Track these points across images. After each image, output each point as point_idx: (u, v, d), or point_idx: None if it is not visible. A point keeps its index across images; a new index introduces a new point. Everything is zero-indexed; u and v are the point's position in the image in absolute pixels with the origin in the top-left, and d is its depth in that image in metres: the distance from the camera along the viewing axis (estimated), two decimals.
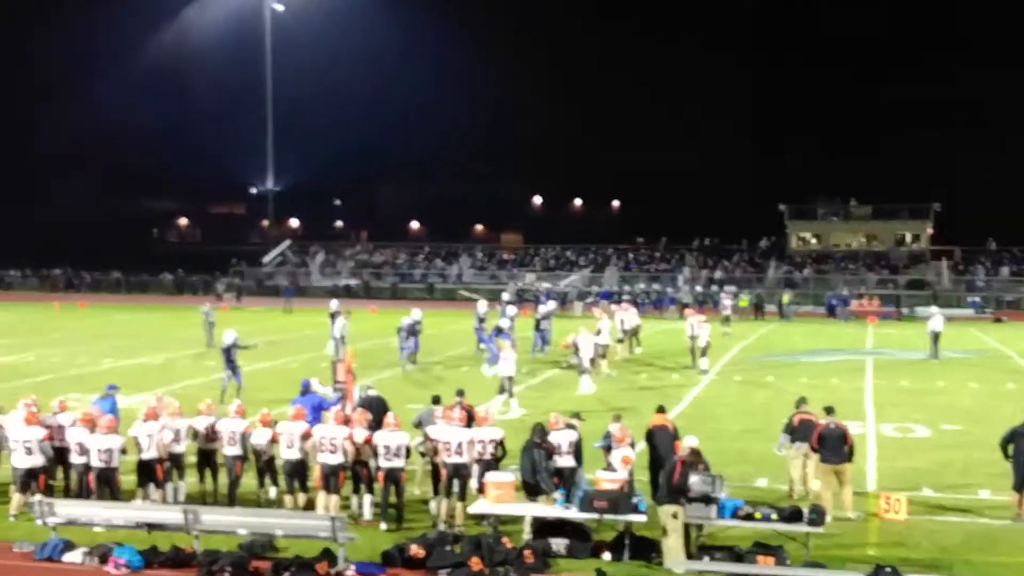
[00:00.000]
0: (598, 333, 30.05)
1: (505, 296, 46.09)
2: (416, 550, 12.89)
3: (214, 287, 68.01)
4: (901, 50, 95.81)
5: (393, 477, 14.56)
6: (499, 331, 30.44)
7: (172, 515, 13.39)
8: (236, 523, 13.34)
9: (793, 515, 13.09)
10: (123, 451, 14.93)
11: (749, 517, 13.21)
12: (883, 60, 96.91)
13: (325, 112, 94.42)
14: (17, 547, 13.45)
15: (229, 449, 15.46)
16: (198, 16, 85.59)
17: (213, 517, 13.32)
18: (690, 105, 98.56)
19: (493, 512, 13.95)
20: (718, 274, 69.35)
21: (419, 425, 16.20)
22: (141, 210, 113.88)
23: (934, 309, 40.74)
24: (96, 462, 14.63)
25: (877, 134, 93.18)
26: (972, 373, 31.51)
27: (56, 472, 15.65)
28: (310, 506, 14.90)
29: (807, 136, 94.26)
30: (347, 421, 15.28)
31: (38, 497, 14.02)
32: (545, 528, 13.65)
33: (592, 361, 28.16)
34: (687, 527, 13.12)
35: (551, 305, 38.09)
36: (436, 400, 16.80)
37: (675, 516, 12.83)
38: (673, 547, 12.76)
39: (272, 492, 15.58)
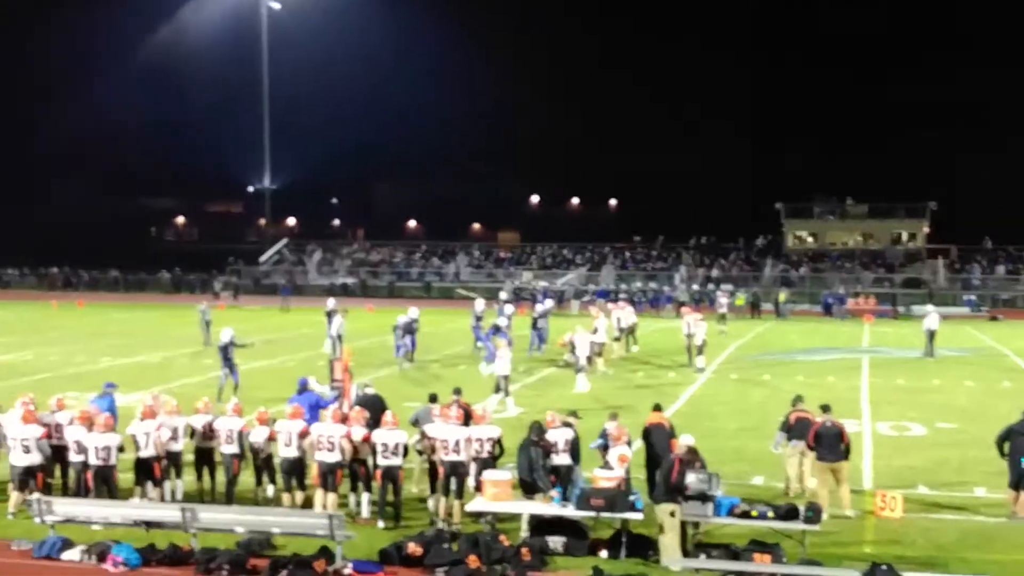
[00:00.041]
0: (594, 332, 30.10)
1: (502, 295, 46.13)
2: (414, 548, 12.92)
3: (211, 286, 67.98)
4: (898, 50, 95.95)
5: (391, 475, 14.59)
6: (496, 330, 30.49)
7: (170, 513, 13.42)
8: (234, 521, 13.37)
9: (789, 513, 13.13)
10: (121, 449, 14.96)
11: (745, 515, 13.26)
12: (880, 60, 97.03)
13: (322, 111, 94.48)
14: (15, 545, 13.48)
15: (227, 447, 15.48)
16: (195, 15, 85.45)
17: (211, 515, 13.35)
18: (687, 105, 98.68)
19: (490, 510, 13.98)
20: (715, 272, 69.40)
21: (416, 423, 16.24)
22: (139, 209, 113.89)
23: (930, 307, 40.89)
24: (94, 460, 14.66)
25: (874, 133, 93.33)
26: (968, 371, 31.58)
27: (54, 470, 15.68)
28: (308, 504, 14.92)
29: (804, 135, 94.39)
30: (345, 419, 15.32)
31: (36, 495, 14.04)
32: (542, 526, 13.68)
33: (589, 359, 28.21)
34: (683, 525, 13.16)
35: (548, 304, 38.13)
36: (433, 398, 16.84)
37: (673, 514, 12.87)
38: (670, 545, 12.80)
39: (270, 490, 15.61)
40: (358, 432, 14.87)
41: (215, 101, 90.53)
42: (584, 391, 26.10)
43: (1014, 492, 15.00)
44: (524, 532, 13.64)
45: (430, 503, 15.12)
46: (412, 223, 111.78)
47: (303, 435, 14.99)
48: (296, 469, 15.08)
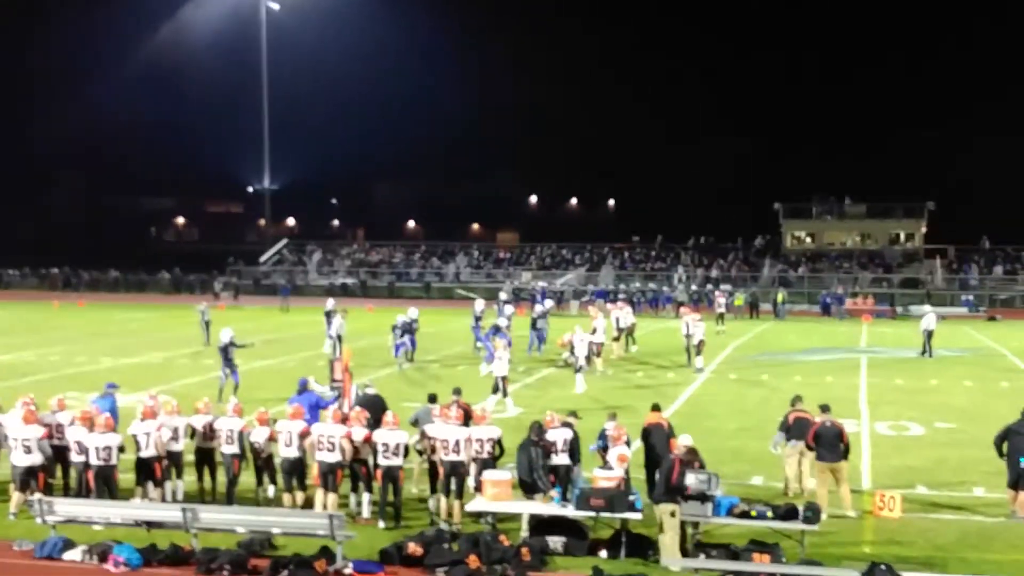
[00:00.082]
0: (593, 332, 30.14)
1: (502, 295, 46.17)
2: (414, 548, 12.95)
3: (212, 286, 68.01)
4: (896, 50, 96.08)
5: (391, 475, 14.62)
6: (496, 330, 30.54)
7: (171, 513, 13.45)
8: (234, 521, 13.40)
9: (789, 513, 13.17)
10: (122, 449, 14.99)
11: (745, 515, 13.29)
12: (878, 60, 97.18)
13: (322, 111, 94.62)
14: (17, 545, 13.50)
15: (227, 448, 15.51)
16: (194, 16, 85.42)
17: (212, 515, 13.38)
18: (685, 105, 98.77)
19: (490, 510, 14.03)
20: (714, 273, 69.44)
21: (416, 423, 16.27)
22: (139, 209, 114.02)
23: (927, 308, 41.00)
24: (95, 460, 14.68)
25: (872, 133, 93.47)
26: (966, 371, 31.63)
27: (55, 471, 15.71)
28: (309, 504, 14.95)
29: (802, 135, 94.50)
30: (345, 420, 15.36)
31: (38, 496, 14.07)
32: (542, 526, 13.71)
33: (587, 359, 28.24)
34: (683, 525, 13.20)
35: (547, 304, 38.16)
36: (432, 398, 16.88)
37: (672, 515, 12.90)
38: (669, 545, 12.84)
39: (271, 491, 15.64)
40: (359, 432, 14.90)
41: (215, 101, 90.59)
42: (582, 391, 26.13)
43: (1013, 492, 15.04)
44: (524, 532, 13.67)
45: (430, 503, 15.16)
46: (411, 223, 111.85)
47: (304, 435, 15.03)
48: (297, 469, 15.11)
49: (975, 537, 14.28)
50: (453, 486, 14.64)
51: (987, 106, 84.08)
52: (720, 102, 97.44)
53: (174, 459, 15.64)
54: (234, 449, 15.47)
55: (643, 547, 13.31)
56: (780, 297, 55.18)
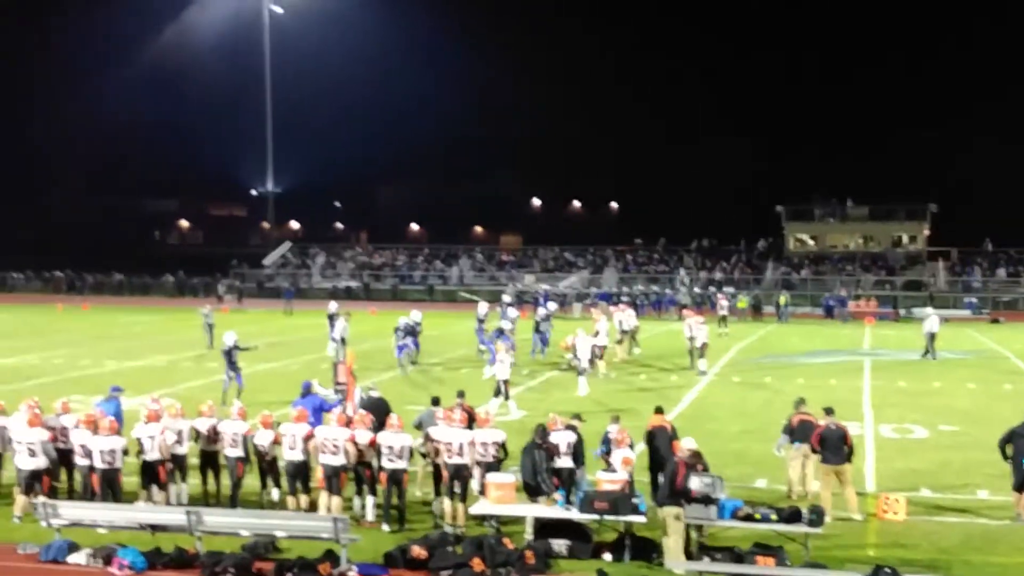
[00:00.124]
0: (596, 334, 30.13)
1: (506, 297, 46.17)
2: (418, 551, 12.97)
3: (215, 289, 68.07)
4: (898, 51, 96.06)
5: (396, 478, 14.64)
6: (500, 333, 30.55)
7: (175, 516, 13.47)
8: (239, 524, 13.42)
9: (792, 516, 13.16)
10: (126, 452, 15.00)
11: (749, 518, 13.28)
12: (879, 60, 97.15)
13: (325, 114, 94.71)
14: (22, 549, 13.52)
15: (231, 451, 15.53)
16: (197, 19, 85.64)
17: (216, 518, 13.40)
18: (688, 107, 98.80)
19: (494, 513, 14.04)
20: (717, 275, 69.43)
21: (419, 426, 16.28)
22: (142, 212, 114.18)
23: (929, 310, 41.03)
24: (99, 464, 14.70)
25: (874, 135, 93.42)
26: (969, 374, 31.61)
27: (60, 474, 15.73)
28: (313, 507, 14.97)
29: (804, 137, 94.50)
30: (349, 423, 15.38)
31: (42, 499, 14.09)
32: (546, 529, 13.72)
33: (590, 362, 28.23)
34: (687, 528, 13.20)
35: (551, 307, 38.15)
36: (436, 401, 16.89)
37: (677, 518, 12.90)
38: (673, 548, 12.84)
39: (275, 494, 15.66)
40: (364, 435, 14.92)
41: (218, 104, 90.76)
42: (585, 394, 26.12)
43: (1017, 494, 15.04)
44: (528, 535, 13.68)
45: (434, 506, 15.17)
46: (415, 226, 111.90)
47: (308, 438, 15.04)
48: (301, 472, 15.13)
49: (979, 540, 14.27)
50: (457, 489, 14.65)
51: (990, 107, 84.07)
52: (722, 104, 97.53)
53: (178, 462, 15.66)
54: (238, 452, 15.49)
55: (647, 550, 13.31)
56: (782, 300, 55.19)
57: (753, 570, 12.66)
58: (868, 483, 17.25)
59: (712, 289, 62.98)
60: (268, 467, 15.61)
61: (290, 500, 15.18)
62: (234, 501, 15.39)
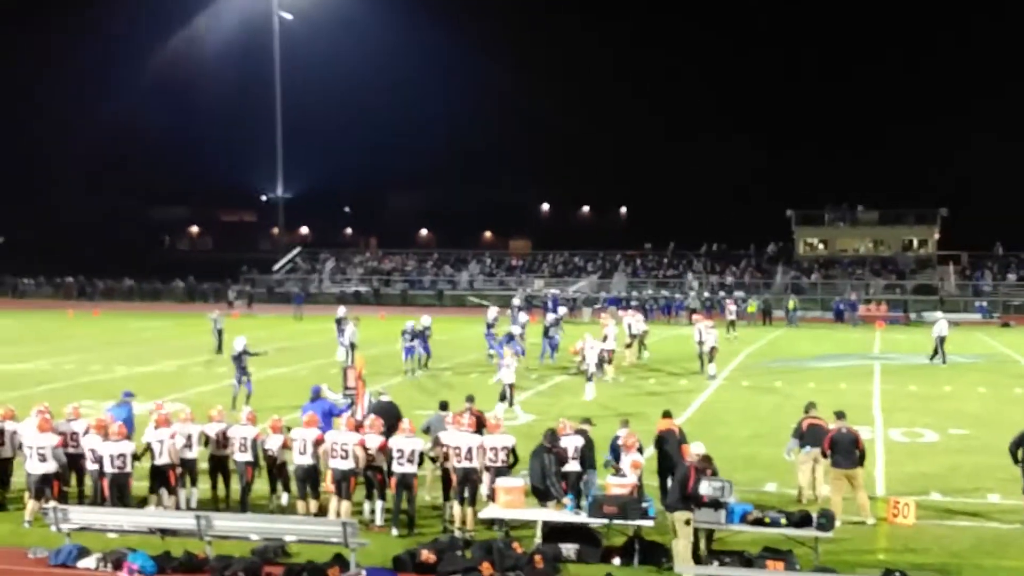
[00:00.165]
0: (604, 339, 30.11)
1: (516, 302, 46.21)
2: (427, 555, 12.97)
3: (225, 294, 68.20)
4: (909, 55, 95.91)
5: (405, 483, 14.65)
6: (510, 338, 30.57)
7: (185, 521, 13.49)
8: (248, 528, 13.44)
9: (802, 520, 13.14)
10: (135, 457, 15.05)
11: (758, 522, 13.26)
12: (890, 67, 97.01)
13: (334, 120, 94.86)
14: (32, 553, 13.54)
15: (240, 455, 15.56)
16: (208, 26, 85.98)
17: (225, 523, 13.41)
18: (697, 113, 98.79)
19: (503, 517, 14.03)
20: (728, 279, 69.33)
21: (428, 431, 16.29)
22: (153, 218, 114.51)
23: (939, 314, 40.92)
24: (110, 468, 14.74)
25: (883, 140, 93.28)
26: (980, 378, 31.52)
27: (70, 479, 15.78)
28: (322, 512, 14.99)
29: (814, 142, 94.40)
30: (358, 427, 15.40)
31: (52, 503, 14.14)
32: (555, 533, 13.70)
33: (599, 366, 28.20)
34: (696, 532, 13.17)
35: (560, 311, 38.16)
36: (444, 406, 16.90)
37: (687, 522, 12.88)
38: (683, 552, 12.82)
39: (284, 498, 15.69)
40: (374, 440, 14.94)
41: (228, 111, 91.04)
42: (592, 399, 26.07)
43: None
44: (537, 539, 13.67)
45: (447, 510, 15.17)
46: (424, 231, 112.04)
47: (318, 443, 15.07)
48: (311, 477, 15.14)
49: (990, 544, 14.22)
50: (466, 493, 14.65)
51: (1002, 111, 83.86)
52: (732, 109, 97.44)
53: (188, 467, 15.70)
54: (247, 457, 15.51)
55: (656, 554, 13.29)
56: (792, 304, 55.11)
57: (763, 574, 12.63)
58: (878, 487, 17.20)
59: (722, 294, 62.90)
60: (277, 472, 15.64)
61: (300, 504, 15.19)
62: (244, 505, 15.43)
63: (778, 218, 74.66)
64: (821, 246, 75.63)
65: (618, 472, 14.52)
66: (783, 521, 13.19)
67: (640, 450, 14.93)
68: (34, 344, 40.81)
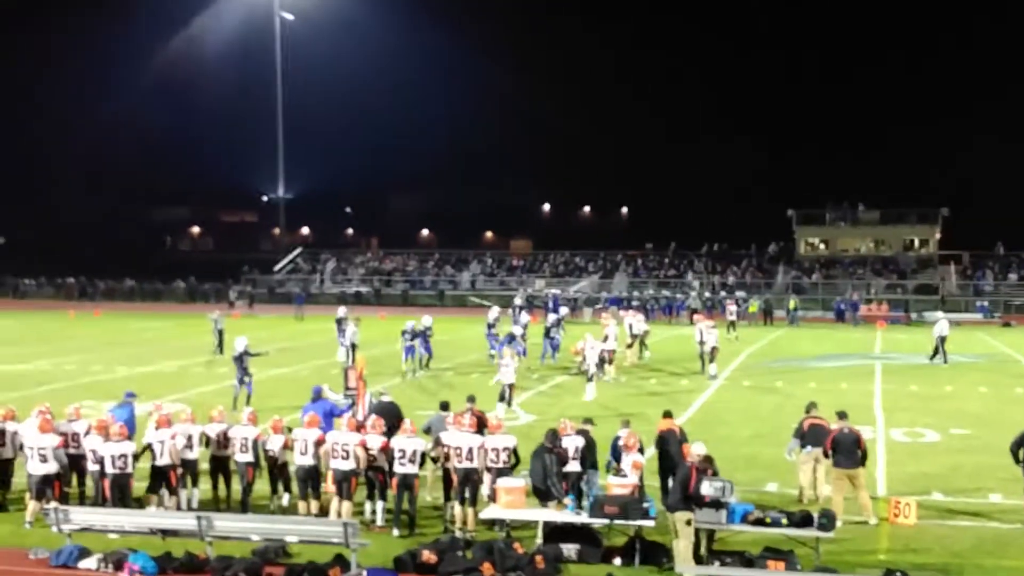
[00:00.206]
0: (605, 339, 30.11)
1: (517, 301, 46.21)
2: (428, 555, 12.97)
3: (226, 295, 68.22)
4: (911, 57, 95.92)
5: (407, 483, 14.65)
6: (512, 338, 30.56)
7: (186, 521, 13.49)
8: (249, 529, 13.43)
9: (803, 520, 13.13)
10: (136, 457, 15.05)
11: (759, 522, 13.26)
12: (892, 66, 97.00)
13: (335, 121, 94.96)
14: (33, 554, 13.55)
15: (241, 456, 15.56)
16: (209, 27, 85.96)
17: (226, 523, 13.41)
18: (698, 113, 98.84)
19: (504, 517, 14.03)
20: (730, 280, 69.33)
21: (428, 431, 16.29)
22: (154, 218, 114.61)
23: (939, 314, 40.94)
24: (111, 469, 14.75)
25: (884, 139, 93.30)
26: (981, 377, 31.51)
27: (71, 479, 15.78)
28: (323, 512, 14.99)
29: (816, 143, 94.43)
30: (359, 427, 15.40)
31: (53, 504, 14.14)
32: (556, 533, 13.70)
33: (599, 366, 28.19)
34: (697, 532, 13.17)
35: (562, 311, 38.16)
36: (445, 406, 16.89)
37: (688, 523, 12.87)
38: (684, 552, 12.81)
39: (285, 499, 15.69)
40: (376, 440, 14.94)
41: (229, 111, 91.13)
42: (592, 399, 26.06)
43: None
44: (539, 539, 13.66)
45: (448, 510, 15.17)
46: (425, 232, 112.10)
47: (319, 443, 15.07)
48: (312, 477, 15.15)
49: (991, 544, 14.22)
50: (467, 493, 14.65)
51: (1003, 112, 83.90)
52: (733, 109, 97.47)
53: (189, 467, 15.70)
54: (248, 457, 15.52)
55: (657, 555, 13.29)
56: (793, 304, 55.08)
57: (763, 575, 12.62)
58: (879, 487, 17.20)
59: (723, 294, 62.89)
60: (278, 472, 15.64)
61: (301, 505, 15.20)
62: (244, 506, 15.43)
63: (779, 218, 74.70)
64: (822, 246, 75.61)
65: (619, 472, 14.52)
66: (784, 521, 13.19)
67: (641, 450, 14.93)
68: (35, 345, 40.83)
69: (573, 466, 14.84)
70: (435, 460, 15.74)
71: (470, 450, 14.72)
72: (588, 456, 15.05)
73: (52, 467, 15.03)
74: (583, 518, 13.66)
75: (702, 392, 28.11)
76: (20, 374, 31.67)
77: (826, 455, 15.58)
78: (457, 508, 14.76)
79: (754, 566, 12.75)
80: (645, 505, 13.54)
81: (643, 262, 75.20)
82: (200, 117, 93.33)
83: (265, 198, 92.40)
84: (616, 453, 14.94)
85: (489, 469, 14.76)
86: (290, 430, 15.73)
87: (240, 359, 24.97)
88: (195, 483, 15.84)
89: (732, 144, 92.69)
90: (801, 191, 77.41)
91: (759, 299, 58.08)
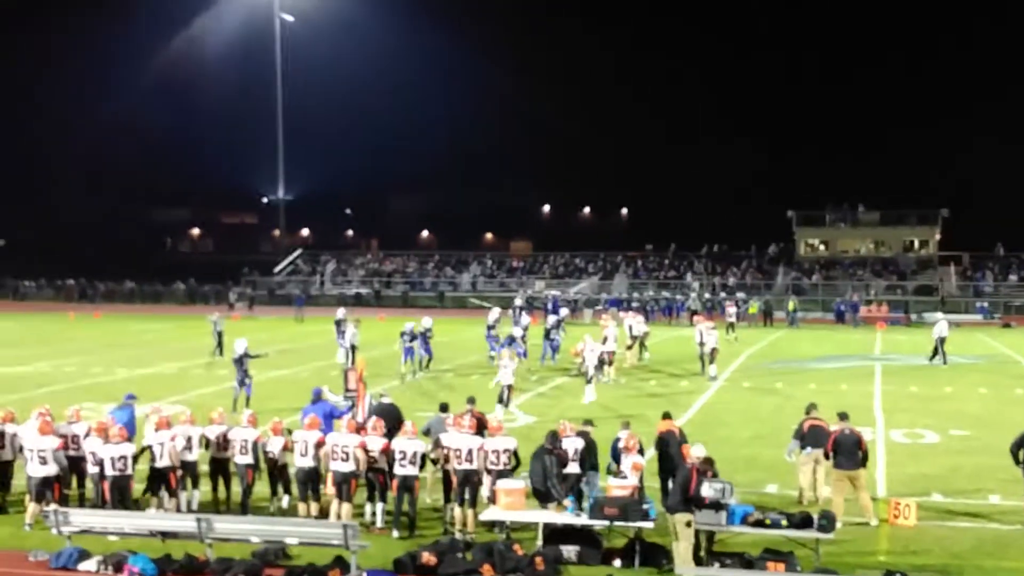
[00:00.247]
0: (604, 341, 30.11)
1: (518, 302, 46.19)
2: (428, 557, 12.97)
3: (226, 296, 68.20)
4: (911, 58, 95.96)
5: (407, 485, 14.65)
6: (512, 340, 30.56)
7: (186, 523, 13.49)
8: (249, 531, 13.43)
9: (803, 521, 13.14)
10: (135, 459, 15.05)
11: (759, 523, 13.26)
12: (892, 68, 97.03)
13: (336, 122, 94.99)
14: (32, 556, 13.55)
15: (241, 458, 15.56)
16: (209, 28, 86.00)
17: (226, 525, 13.41)
18: (698, 114, 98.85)
19: (504, 519, 14.02)
20: (729, 280, 69.32)
21: (428, 433, 16.29)
22: (154, 220, 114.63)
23: (939, 315, 40.93)
24: (111, 471, 14.75)
25: (884, 140, 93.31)
26: (981, 378, 31.51)
27: (71, 481, 15.78)
28: (323, 514, 14.99)
29: (816, 144, 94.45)
30: (359, 429, 15.40)
31: (53, 506, 14.14)
32: (556, 535, 13.70)
33: (599, 367, 28.17)
34: (697, 533, 13.17)
35: (562, 313, 38.15)
36: (444, 408, 16.90)
37: (688, 524, 12.87)
38: (683, 553, 12.81)
39: (285, 500, 15.69)
40: (376, 442, 14.94)
41: (229, 113, 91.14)
42: (591, 401, 26.02)
43: None
44: (539, 541, 13.66)
45: (445, 512, 15.17)
46: (425, 233, 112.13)
47: (319, 445, 15.07)
48: (312, 479, 15.15)
49: (991, 545, 14.22)
50: (467, 495, 14.65)
51: (1003, 113, 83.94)
52: (733, 110, 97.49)
53: (188, 469, 15.70)
54: (248, 459, 15.52)
55: (657, 556, 13.29)
56: (793, 305, 55.07)
57: None
58: (879, 488, 17.20)
59: (723, 295, 62.89)
60: (278, 474, 15.65)
61: (301, 507, 15.20)
62: (244, 508, 15.43)
63: (779, 219, 74.69)
64: (822, 247, 75.59)
65: (619, 474, 14.52)
66: (784, 523, 13.19)
67: (641, 452, 14.93)
68: (35, 346, 40.83)
69: (573, 468, 14.84)
70: (435, 462, 15.74)
71: (470, 452, 14.72)
72: (588, 458, 15.05)
73: (52, 469, 15.03)
74: (583, 520, 13.66)
75: (702, 393, 28.11)
76: (20, 376, 31.67)
77: (827, 456, 15.58)
78: (457, 510, 14.76)
79: (754, 567, 12.75)
80: (645, 507, 13.54)
81: (643, 263, 75.19)
82: (200, 118, 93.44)
83: (265, 199, 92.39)
84: (616, 455, 14.94)
85: (489, 471, 14.76)
86: (290, 432, 15.73)
87: (240, 361, 24.97)
88: (195, 485, 15.85)
89: (732, 145, 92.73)
90: (801, 192, 77.48)
91: (759, 300, 58.06)
